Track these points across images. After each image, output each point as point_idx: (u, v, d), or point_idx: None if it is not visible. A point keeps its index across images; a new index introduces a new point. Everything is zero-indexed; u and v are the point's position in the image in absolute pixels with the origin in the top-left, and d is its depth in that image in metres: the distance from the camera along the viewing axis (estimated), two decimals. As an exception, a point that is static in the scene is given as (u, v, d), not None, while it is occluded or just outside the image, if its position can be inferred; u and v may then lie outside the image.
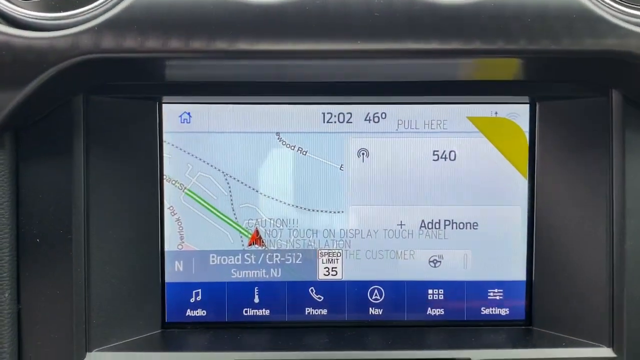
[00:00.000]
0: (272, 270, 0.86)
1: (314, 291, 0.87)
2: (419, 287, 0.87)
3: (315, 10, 0.68)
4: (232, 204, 0.85)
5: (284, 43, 0.69)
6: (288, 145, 0.85)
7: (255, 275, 0.86)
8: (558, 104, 0.83)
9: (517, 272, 0.86)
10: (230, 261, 0.86)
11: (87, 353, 0.77)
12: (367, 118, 0.85)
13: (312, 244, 0.86)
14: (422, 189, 0.85)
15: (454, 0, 0.69)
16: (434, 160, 0.85)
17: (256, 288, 0.86)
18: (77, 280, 0.76)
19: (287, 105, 0.84)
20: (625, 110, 0.78)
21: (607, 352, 0.79)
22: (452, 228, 0.86)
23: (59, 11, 0.71)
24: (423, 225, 0.86)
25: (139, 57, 0.70)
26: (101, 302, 0.79)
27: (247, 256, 0.86)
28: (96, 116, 0.78)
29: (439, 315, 0.87)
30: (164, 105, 0.83)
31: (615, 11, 0.72)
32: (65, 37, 0.69)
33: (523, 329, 0.86)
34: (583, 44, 0.70)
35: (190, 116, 0.84)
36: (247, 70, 0.75)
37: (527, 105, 0.84)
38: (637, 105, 0.78)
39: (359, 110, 0.85)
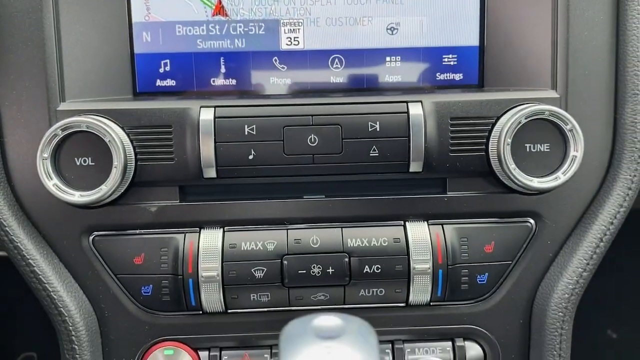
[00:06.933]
0: (236, 40, 0.90)
1: (278, 61, 0.91)
2: (377, 55, 0.91)
3: None
4: (195, -26, 0.88)
5: None
6: None
7: (220, 46, 0.90)
8: None
9: (471, 37, 0.91)
10: (196, 32, 0.89)
11: (62, 103, 0.82)
12: None
13: (275, 12, 0.89)
14: (379, -43, 0.89)
15: None
16: None
17: (222, 58, 0.90)
18: (48, 33, 0.80)
19: None
20: None
21: (552, 93, 0.84)
22: (408, -6, 0.90)
23: None
24: (380, -8, 0.90)
25: None
26: (73, 59, 0.83)
27: (212, 27, 0.89)
28: None
29: (396, 82, 0.91)
30: None
31: None
32: None
33: (476, 89, 0.91)
34: None
35: None
36: None
37: None
38: None
39: None
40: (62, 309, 0.81)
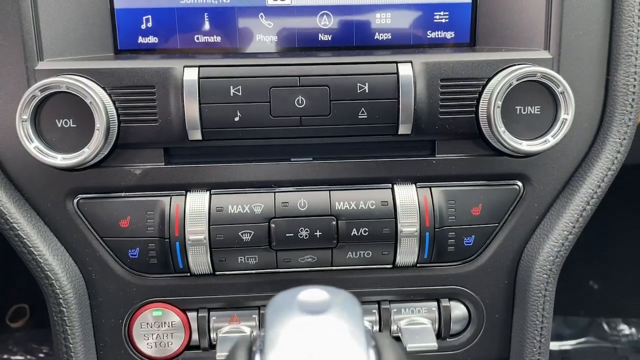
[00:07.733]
0: (220, -5, 0.87)
1: (264, 17, 0.88)
2: (367, 11, 0.88)
3: None
4: None
5: None
6: None
7: (204, 0, 0.87)
8: None
9: (463, -6, 0.88)
10: (178, -14, 0.86)
11: (40, 62, 0.79)
12: None
13: (260, -34, 0.86)
14: None
15: None
16: None
17: (206, 14, 0.87)
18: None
19: None
20: None
21: (544, 54, 0.82)
22: (400, -52, 0.86)
23: None
24: (370, -55, 0.86)
25: None
26: (50, 15, 0.79)
27: (195, -20, 0.86)
28: None
29: (386, 39, 0.89)
30: None
31: None
32: None
33: (468, 48, 0.89)
34: None
35: None
36: None
37: None
38: None
39: None
40: (48, 272, 0.81)
